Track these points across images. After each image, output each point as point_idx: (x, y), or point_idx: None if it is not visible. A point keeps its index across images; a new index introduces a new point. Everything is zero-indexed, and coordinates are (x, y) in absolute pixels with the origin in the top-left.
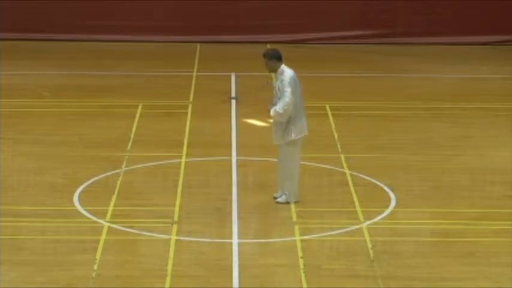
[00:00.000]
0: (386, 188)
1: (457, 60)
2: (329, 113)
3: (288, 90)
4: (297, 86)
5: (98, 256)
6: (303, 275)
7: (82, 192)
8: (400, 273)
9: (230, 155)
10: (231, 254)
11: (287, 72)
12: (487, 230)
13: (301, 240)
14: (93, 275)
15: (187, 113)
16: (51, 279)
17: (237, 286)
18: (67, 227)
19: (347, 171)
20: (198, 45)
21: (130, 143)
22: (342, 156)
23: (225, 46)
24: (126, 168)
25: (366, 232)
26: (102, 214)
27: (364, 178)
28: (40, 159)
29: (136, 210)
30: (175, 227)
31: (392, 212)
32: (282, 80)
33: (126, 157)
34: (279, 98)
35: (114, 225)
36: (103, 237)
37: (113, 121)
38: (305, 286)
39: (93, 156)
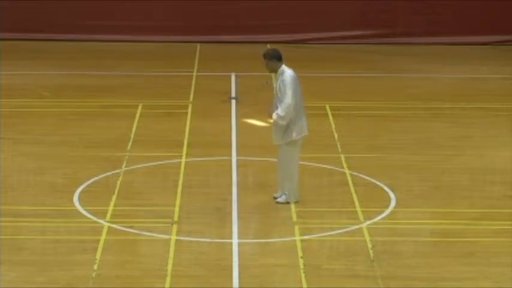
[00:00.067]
0: (386, 188)
1: (457, 60)
2: (329, 113)
3: (289, 92)
4: (298, 86)
5: (98, 256)
6: (303, 275)
7: (82, 192)
8: (400, 273)
9: (230, 155)
10: (231, 254)
11: (288, 72)
12: (487, 230)
13: (301, 240)
14: (93, 275)
15: (187, 113)
16: (51, 279)
17: (237, 286)
18: (67, 227)
19: (347, 171)
20: (198, 45)
21: (130, 143)
22: (342, 156)
23: (225, 46)
24: (126, 168)
25: (366, 232)
26: (102, 214)
27: (364, 178)
28: (40, 159)
29: (136, 210)
30: (175, 227)
31: (392, 212)
32: (283, 81)
33: (126, 157)
34: (279, 98)
35: (114, 225)
36: (103, 237)
37: (113, 121)
38: (305, 286)
39: (93, 156)
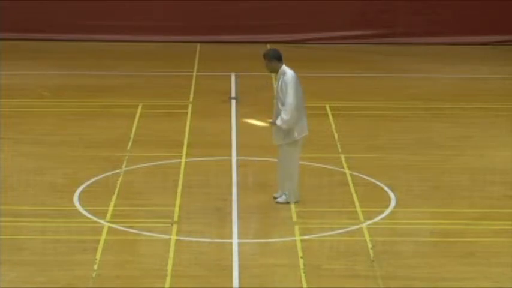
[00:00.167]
0: (386, 188)
1: (457, 60)
2: (329, 113)
3: (290, 91)
4: (299, 86)
5: (98, 256)
6: (303, 275)
7: (82, 192)
8: (400, 273)
9: (230, 155)
10: (231, 254)
11: (289, 73)
12: (487, 230)
13: (301, 240)
14: (93, 275)
15: (187, 113)
16: (51, 279)
17: (237, 286)
18: (67, 227)
19: (347, 171)
20: (198, 45)
21: (130, 143)
22: (342, 156)
23: (225, 46)
24: (126, 168)
25: (366, 232)
26: (102, 214)
27: (364, 178)
28: (40, 159)
29: (136, 210)
30: (175, 227)
31: (392, 212)
32: (284, 81)
33: (126, 157)
34: (280, 99)
35: (114, 225)
36: (103, 237)
37: (113, 121)
38: (305, 286)
39: (93, 156)
